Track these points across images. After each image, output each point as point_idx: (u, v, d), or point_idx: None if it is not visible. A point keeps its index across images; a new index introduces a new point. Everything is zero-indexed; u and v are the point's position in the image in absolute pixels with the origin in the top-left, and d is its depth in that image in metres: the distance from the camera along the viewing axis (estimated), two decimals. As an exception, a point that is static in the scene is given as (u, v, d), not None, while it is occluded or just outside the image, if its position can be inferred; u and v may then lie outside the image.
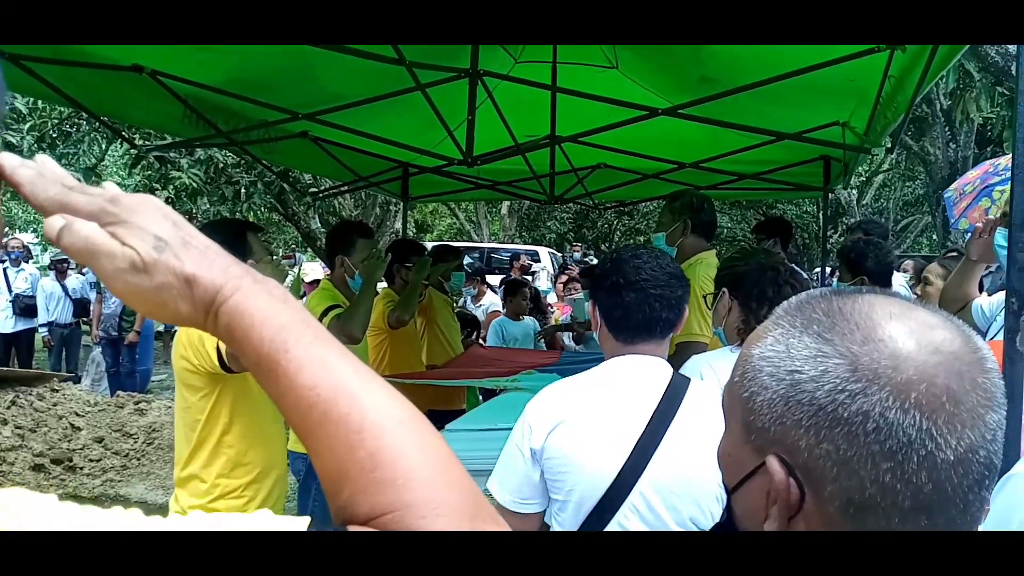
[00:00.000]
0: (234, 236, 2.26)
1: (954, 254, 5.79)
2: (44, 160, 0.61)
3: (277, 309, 0.61)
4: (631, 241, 24.29)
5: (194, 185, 9.16)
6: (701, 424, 1.65)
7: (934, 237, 21.83)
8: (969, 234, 3.57)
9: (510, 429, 2.92)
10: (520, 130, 3.96)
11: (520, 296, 5.85)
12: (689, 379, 1.74)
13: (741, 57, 3.28)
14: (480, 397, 4.53)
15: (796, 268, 2.24)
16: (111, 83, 3.25)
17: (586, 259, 14.95)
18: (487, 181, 5.26)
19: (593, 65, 3.99)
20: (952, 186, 3.50)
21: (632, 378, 1.71)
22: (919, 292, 3.12)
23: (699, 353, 2.67)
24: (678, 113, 3.35)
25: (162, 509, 5.02)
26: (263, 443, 2.23)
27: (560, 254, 16.05)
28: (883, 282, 3.21)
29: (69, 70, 3.02)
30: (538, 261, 13.19)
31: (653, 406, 1.65)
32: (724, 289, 2.18)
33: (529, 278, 8.70)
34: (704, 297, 2.46)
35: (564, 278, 6.92)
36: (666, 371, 1.74)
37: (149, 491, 5.23)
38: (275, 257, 2.58)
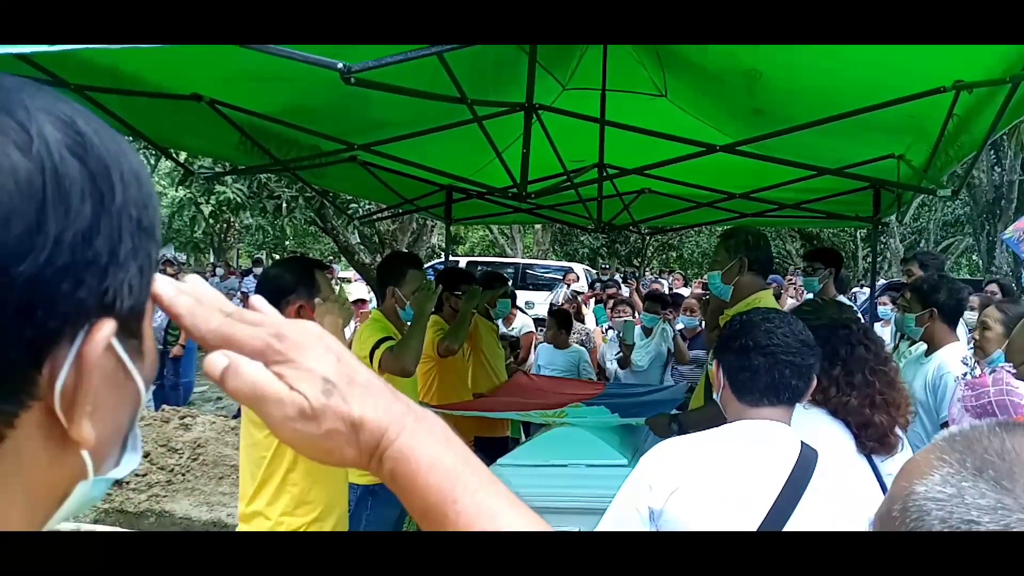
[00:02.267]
0: (303, 274, 2.29)
1: (994, 287, 5.68)
2: (197, 282, 0.58)
3: (441, 452, 0.59)
4: (664, 257, 24.16)
5: (237, 200, 9.29)
6: (833, 502, 1.62)
7: (973, 258, 21.47)
8: None
9: (563, 466, 2.95)
10: (568, 154, 3.95)
11: (566, 326, 5.76)
12: (816, 452, 1.69)
13: (795, 91, 3.25)
14: (521, 426, 4.53)
15: (868, 325, 2.20)
16: (169, 112, 3.31)
17: (616, 278, 14.89)
18: (531, 205, 5.26)
19: (641, 93, 3.98)
20: (1009, 229, 3.47)
21: (759, 446, 1.68)
22: (978, 336, 3.07)
23: None
24: (736, 150, 3.32)
25: (206, 526, 5.08)
26: (326, 481, 2.24)
27: (594, 271, 16.00)
28: (954, 316, 3.20)
29: (129, 100, 3.08)
30: (576, 279, 13.14)
31: (780, 479, 1.61)
32: None
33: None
34: None
35: (612, 301, 6.84)
36: (794, 441, 1.70)
37: (194, 507, 5.28)
38: (341, 295, 2.57)
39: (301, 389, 0.56)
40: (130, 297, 0.48)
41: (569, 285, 8.21)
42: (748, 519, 1.57)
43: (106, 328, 0.45)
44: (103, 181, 0.45)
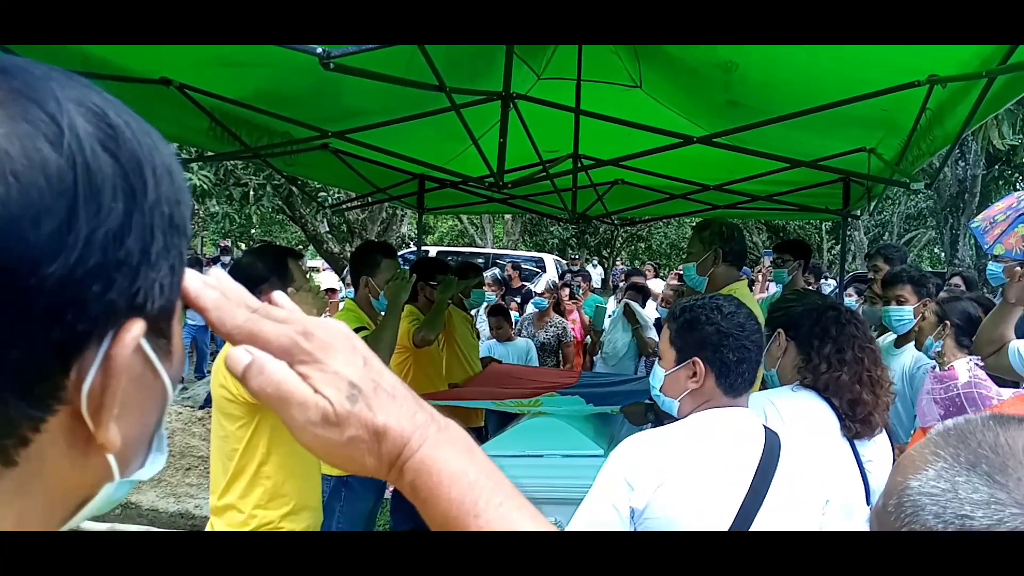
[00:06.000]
0: (275, 263, 2.25)
1: (956, 280, 5.76)
2: (220, 276, 0.56)
3: (464, 464, 0.58)
4: (633, 248, 24.26)
5: (203, 187, 9.13)
6: (800, 481, 1.67)
7: (935, 251, 21.86)
8: (994, 256, 3.56)
9: (539, 456, 2.94)
10: (542, 144, 3.94)
11: (503, 319, 5.69)
12: (778, 434, 1.72)
13: (770, 83, 3.27)
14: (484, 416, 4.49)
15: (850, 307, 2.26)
16: (137, 96, 3.23)
17: (587, 268, 14.94)
18: (505, 195, 5.23)
19: (616, 84, 3.98)
20: (978, 217, 3.53)
21: (730, 433, 1.70)
22: (922, 326, 3.13)
23: None
24: (713, 142, 3.33)
25: (173, 518, 5.01)
26: (300, 474, 2.21)
27: (564, 261, 16.03)
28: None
29: (95, 84, 3.00)
30: (544, 269, 13.13)
31: (752, 463, 1.64)
32: (780, 330, 2.17)
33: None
34: None
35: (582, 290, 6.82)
36: (758, 425, 1.73)
37: (160, 499, 5.20)
38: (314, 284, 2.53)
39: (326, 393, 0.54)
40: (161, 297, 0.46)
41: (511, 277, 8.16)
42: (727, 506, 1.60)
43: (136, 329, 0.44)
44: (135, 177, 0.43)
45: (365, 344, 0.58)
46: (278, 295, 0.59)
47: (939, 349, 2.94)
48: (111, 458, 0.46)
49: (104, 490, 0.47)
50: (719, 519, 1.58)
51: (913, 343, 3.28)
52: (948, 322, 2.90)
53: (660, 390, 1.84)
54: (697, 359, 1.76)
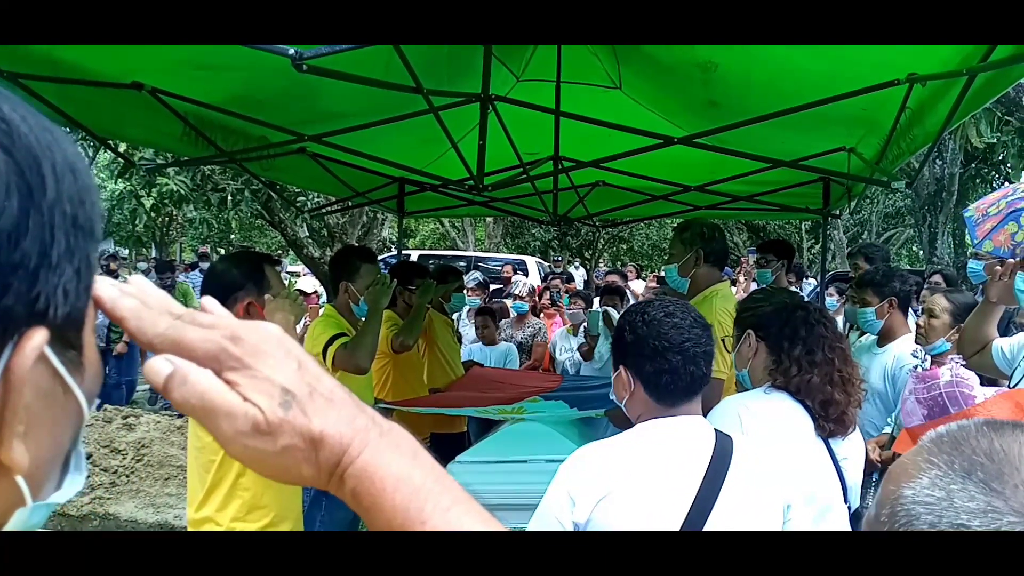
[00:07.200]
0: (252, 269, 2.20)
1: (937, 278, 5.80)
2: (141, 283, 0.53)
3: (408, 469, 0.55)
4: (615, 250, 24.28)
5: (180, 192, 9.04)
6: (752, 487, 1.63)
7: (914, 248, 22.07)
8: (979, 252, 3.56)
9: (522, 461, 2.91)
10: (522, 146, 3.91)
11: (489, 319, 5.68)
12: (732, 438, 1.69)
13: (750, 83, 3.26)
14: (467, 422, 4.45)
15: (822, 305, 2.23)
16: (109, 101, 3.19)
17: (569, 270, 14.94)
18: (485, 198, 5.20)
19: (596, 85, 3.96)
20: (972, 207, 3.49)
21: (677, 442, 1.66)
22: (922, 323, 3.10)
23: (715, 390, 2.64)
24: (693, 142, 3.31)
25: (152, 529, 4.93)
26: (279, 485, 2.16)
27: (547, 263, 16.00)
28: (907, 305, 3.26)
29: (67, 89, 2.95)
30: (526, 272, 13.09)
31: (700, 471, 1.60)
32: (749, 331, 2.14)
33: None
34: (723, 340, 2.40)
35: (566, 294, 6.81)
36: (708, 432, 1.69)
37: (139, 509, 5.12)
38: (292, 290, 2.48)
39: (256, 400, 0.50)
40: (65, 303, 0.42)
41: (512, 280, 8.15)
42: (673, 514, 1.57)
43: (37, 338, 0.40)
44: (32, 174, 0.40)
45: (300, 346, 0.55)
46: (207, 300, 0.55)
47: (947, 350, 2.92)
48: (20, 480, 0.42)
49: (16, 516, 0.44)
50: (666, 527, 1.55)
51: (895, 342, 3.27)
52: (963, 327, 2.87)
53: (614, 393, 1.83)
54: (623, 368, 1.75)
